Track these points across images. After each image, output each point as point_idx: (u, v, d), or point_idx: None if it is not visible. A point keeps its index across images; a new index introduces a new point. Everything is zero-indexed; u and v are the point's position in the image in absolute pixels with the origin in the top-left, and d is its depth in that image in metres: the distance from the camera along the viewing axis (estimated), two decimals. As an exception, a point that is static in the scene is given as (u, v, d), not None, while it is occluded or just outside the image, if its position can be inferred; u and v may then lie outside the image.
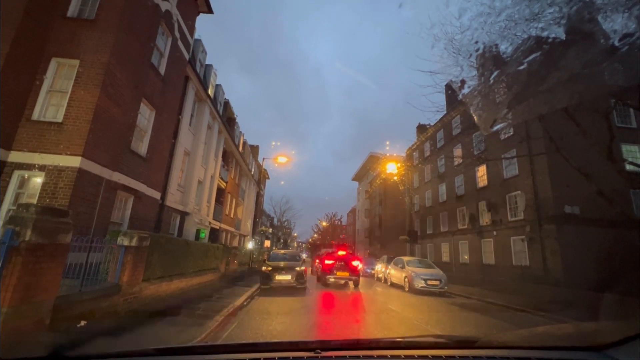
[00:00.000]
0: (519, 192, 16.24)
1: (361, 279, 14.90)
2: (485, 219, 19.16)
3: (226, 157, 23.70)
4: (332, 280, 13.59)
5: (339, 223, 67.67)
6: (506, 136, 17.52)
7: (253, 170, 34.01)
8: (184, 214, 15.57)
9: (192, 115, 16.07)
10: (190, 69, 14.60)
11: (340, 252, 13.73)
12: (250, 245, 26.84)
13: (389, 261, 17.86)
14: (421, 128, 31.84)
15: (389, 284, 15.96)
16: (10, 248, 3.57)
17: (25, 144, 7.71)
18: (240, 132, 27.20)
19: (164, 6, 11.14)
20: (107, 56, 8.46)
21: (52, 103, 8.25)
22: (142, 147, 10.68)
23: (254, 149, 37.67)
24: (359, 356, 1.47)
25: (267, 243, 33.63)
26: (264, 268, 11.08)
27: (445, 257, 23.72)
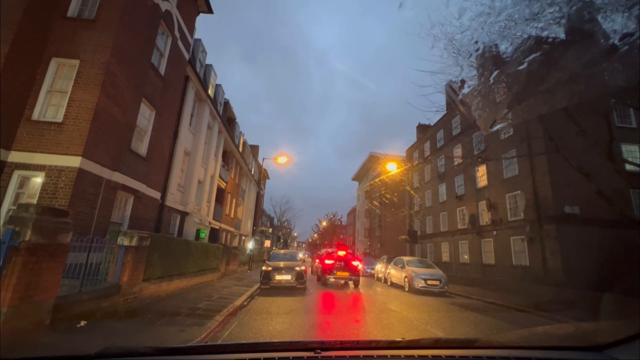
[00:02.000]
0: (519, 192, 16.24)
1: (361, 279, 14.88)
2: (485, 219, 19.16)
3: (226, 157, 23.70)
4: (332, 280, 13.59)
5: (339, 223, 67.68)
6: (506, 136, 17.51)
7: (253, 170, 34.01)
8: (184, 214, 15.57)
9: (192, 115, 16.07)
10: (190, 69, 14.60)
11: (340, 252, 13.72)
12: (250, 245, 26.83)
13: (389, 261, 17.86)
14: (421, 128, 31.84)
15: (389, 284, 15.96)
16: (10, 248, 3.57)
17: (25, 144, 7.71)
18: (240, 132, 27.21)
19: (164, 6, 11.14)
20: (107, 56, 8.46)
21: (52, 103, 8.25)
22: (142, 147, 10.68)
23: (254, 149, 37.66)
24: (359, 356, 1.47)
25: (267, 243, 33.66)
26: (264, 268, 11.07)
27: (445, 257, 23.72)
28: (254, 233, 35.39)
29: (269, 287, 10.85)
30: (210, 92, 18.15)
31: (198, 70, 16.11)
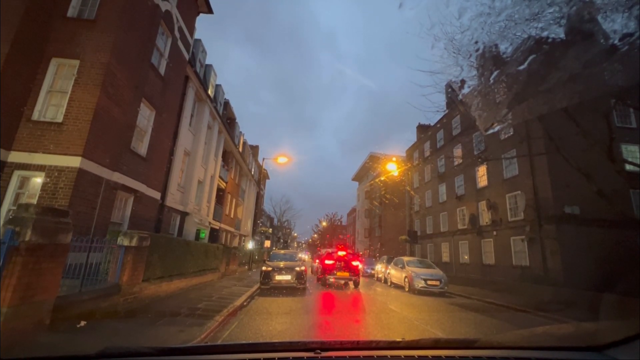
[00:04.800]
0: (519, 192, 16.24)
1: (361, 279, 14.89)
2: (485, 219, 19.15)
3: (226, 157, 23.70)
4: (332, 280, 13.59)
5: (339, 223, 67.67)
6: (506, 136, 17.51)
7: (253, 170, 34.01)
8: (184, 214, 15.57)
9: (192, 115, 16.07)
10: (190, 69, 14.60)
11: (340, 252, 13.72)
12: (250, 245, 26.82)
13: (389, 261, 17.86)
14: (421, 128, 31.85)
15: (389, 284, 15.96)
16: (10, 248, 3.57)
17: (25, 144, 7.71)
18: (240, 132, 27.21)
19: (163, 6, 11.14)
20: (107, 56, 8.46)
21: (52, 103, 8.24)
22: (142, 147, 10.68)
23: (254, 149, 37.67)
24: (359, 356, 1.47)
25: (267, 243, 33.62)
26: (264, 268, 11.08)
27: (445, 257, 23.72)
28: (254, 233, 35.38)
29: (269, 288, 10.85)
30: (210, 92, 18.15)
31: (198, 70, 16.11)
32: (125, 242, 6.20)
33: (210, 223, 19.39)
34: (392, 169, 24.92)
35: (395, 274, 15.12)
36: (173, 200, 14.24)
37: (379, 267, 19.44)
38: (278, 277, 10.80)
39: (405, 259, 15.58)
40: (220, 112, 20.42)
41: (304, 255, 34.43)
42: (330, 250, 18.40)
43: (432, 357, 1.44)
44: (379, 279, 18.94)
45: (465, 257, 21.09)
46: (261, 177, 41.76)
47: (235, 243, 27.66)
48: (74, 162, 7.69)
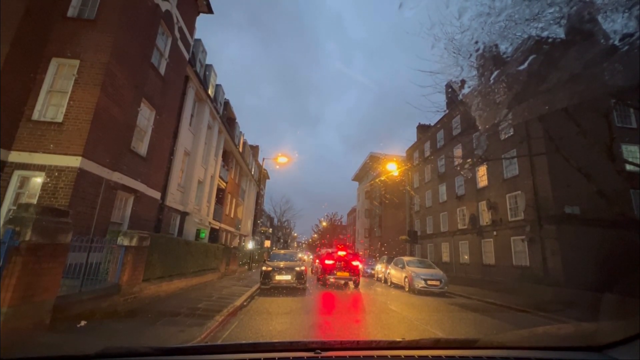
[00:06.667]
0: (519, 192, 16.23)
1: (361, 279, 14.89)
2: (485, 219, 19.15)
3: (226, 157, 23.70)
4: (332, 280, 13.59)
5: (339, 223, 67.65)
6: (506, 136, 17.51)
7: (253, 170, 34.01)
8: (184, 214, 15.57)
9: (192, 115, 16.07)
10: (190, 69, 14.60)
11: (340, 252, 13.71)
12: (250, 245, 26.82)
13: (389, 261, 17.85)
14: (421, 128, 31.83)
15: (389, 284, 15.95)
16: (10, 248, 3.57)
17: (25, 144, 7.71)
18: (240, 132, 27.21)
19: (164, 6, 11.14)
20: (107, 56, 8.46)
21: (52, 103, 8.24)
22: (142, 147, 10.68)
23: (254, 149, 37.68)
24: (359, 356, 1.47)
25: (267, 243, 33.61)
26: (264, 268, 11.07)
27: (446, 257, 23.71)
28: (254, 233, 35.38)
29: (269, 287, 10.85)
30: (210, 92, 18.15)
31: (198, 70, 16.11)
32: (125, 242, 6.20)
33: (210, 223, 19.39)
34: (392, 169, 24.94)
35: (395, 274, 15.11)
36: (173, 200, 14.24)
37: (379, 267, 19.43)
38: (278, 277, 10.79)
39: (405, 259, 15.57)
40: (220, 112, 20.43)
41: (304, 255, 34.41)
42: (330, 250, 18.40)
43: (432, 357, 1.44)
44: (379, 279, 18.93)
45: (466, 257, 21.08)
46: (261, 177, 41.74)
47: (235, 243, 27.65)
48: (74, 162, 7.69)
